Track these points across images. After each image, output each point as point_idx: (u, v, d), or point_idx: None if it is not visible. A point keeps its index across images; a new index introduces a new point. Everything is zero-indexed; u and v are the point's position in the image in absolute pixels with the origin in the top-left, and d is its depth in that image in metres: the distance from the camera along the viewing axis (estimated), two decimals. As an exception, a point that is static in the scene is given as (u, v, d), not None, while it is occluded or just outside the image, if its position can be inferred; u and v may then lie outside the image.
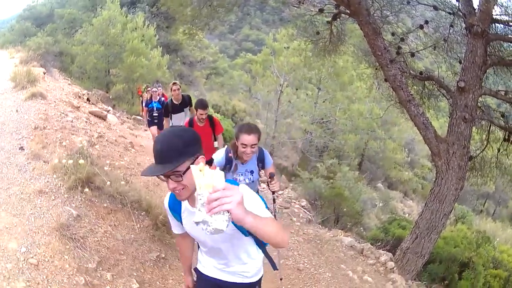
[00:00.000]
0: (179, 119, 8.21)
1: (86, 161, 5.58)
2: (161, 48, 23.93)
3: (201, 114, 6.34)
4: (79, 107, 10.93)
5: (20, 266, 3.77)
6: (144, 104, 11.14)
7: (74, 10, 29.37)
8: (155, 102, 10.53)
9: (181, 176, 2.02)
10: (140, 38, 21.47)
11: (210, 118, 6.68)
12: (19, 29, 29.54)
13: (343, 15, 7.43)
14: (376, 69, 7.72)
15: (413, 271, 6.90)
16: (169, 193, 2.43)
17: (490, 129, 6.82)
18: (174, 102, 8.29)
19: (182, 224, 2.48)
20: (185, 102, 8.36)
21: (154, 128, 10.67)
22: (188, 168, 1.99)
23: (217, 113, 22.13)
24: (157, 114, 10.41)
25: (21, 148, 6.09)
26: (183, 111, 8.32)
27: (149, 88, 11.53)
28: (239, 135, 4.11)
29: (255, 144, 4.14)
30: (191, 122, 6.58)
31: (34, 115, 7.78)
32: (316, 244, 6.96)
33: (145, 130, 13.83)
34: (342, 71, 21.00)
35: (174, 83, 8.39)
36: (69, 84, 16.59)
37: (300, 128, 22.18)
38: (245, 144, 4.10)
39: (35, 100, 8.93)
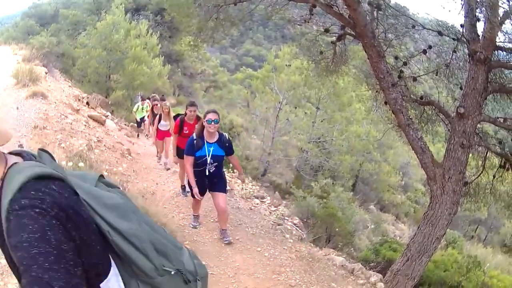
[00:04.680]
0: None
1: (86, 165, 5.58)
2: (162, 57, 23.99)
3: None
4: (78, 110, 10.94)
5: (15, 262, 3.66)
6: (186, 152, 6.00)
7: (79, 12, 29.50)
8: None
9: None
10: (142, 46, 21.52)
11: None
12: (23, 26, 29.79)
13: (348, 36, 7.49)
14: (376, 91, 7.76)
15: (403, 293, 6.89)
16: None
17: (487, 156, 6.86)
18: None
19: None
20: None
21: None
22: None
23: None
24: None
25: (20, 146, 5.91)
26: None
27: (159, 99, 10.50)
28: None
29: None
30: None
31: (35, 114, 7.78)
32: (308, 262, 6.90)
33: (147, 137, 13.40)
34: (342, 92, 21.17)
35: None
36: (69, 86, 16.69)
37: (296, 146, 22.17)
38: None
39: (36, 99, 8.93)
